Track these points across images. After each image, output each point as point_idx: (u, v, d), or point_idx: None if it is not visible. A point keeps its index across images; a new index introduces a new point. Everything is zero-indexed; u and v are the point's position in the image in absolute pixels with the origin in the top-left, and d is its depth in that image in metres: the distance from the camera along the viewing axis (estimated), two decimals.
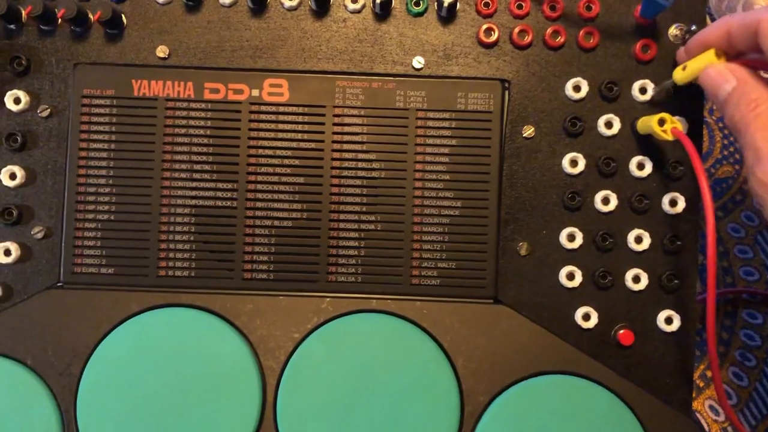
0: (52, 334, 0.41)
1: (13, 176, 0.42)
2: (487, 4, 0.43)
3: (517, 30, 0.43)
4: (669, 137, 0.40)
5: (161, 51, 0.43)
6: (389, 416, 0.40)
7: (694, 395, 0.50)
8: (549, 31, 0.43)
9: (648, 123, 0.41)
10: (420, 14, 0.43)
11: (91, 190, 0.42)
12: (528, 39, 0.43)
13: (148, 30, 0.43)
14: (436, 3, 0.43)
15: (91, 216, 0.42)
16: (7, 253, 0.42)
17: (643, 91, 0.42)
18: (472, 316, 0.42)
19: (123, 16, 0.43)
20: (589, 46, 0.43)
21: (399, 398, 0.40)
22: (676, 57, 0.42)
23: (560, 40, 0.43)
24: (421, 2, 0.43)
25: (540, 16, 0.43)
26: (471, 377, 0.41)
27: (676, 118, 0.41)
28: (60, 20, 0.43)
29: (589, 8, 0.43)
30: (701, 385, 0.50)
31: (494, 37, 0.43)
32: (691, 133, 0.42)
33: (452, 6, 0.42)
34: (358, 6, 0.43)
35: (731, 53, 0.38)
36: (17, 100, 0.43)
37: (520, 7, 0.43)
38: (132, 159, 0.43)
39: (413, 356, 0.41)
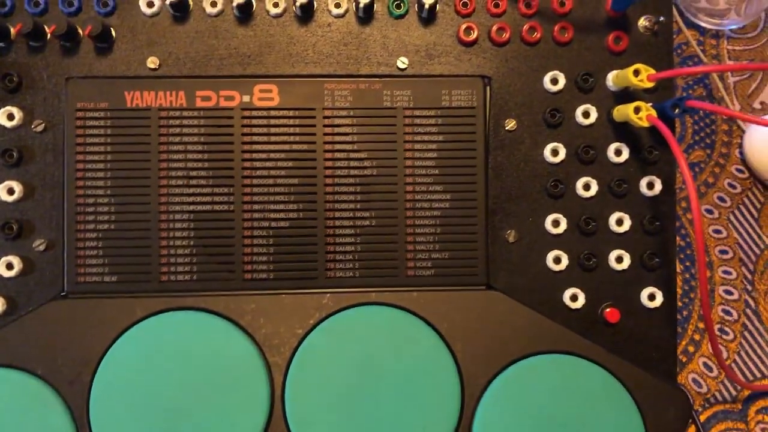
0: (60, 343, 0.42)
1: (11, 191, 0.43)
2: (465, 4, 0.45)
3: (495, 28, 0.45)
4: (645, 124, 0.42)
5: (151, 62, 0.44)
6: (394, 403, 0.42)
7: (677, 370, 0.52)
8: (525, 27, 0.45)
9: (624, 111, 0.43)
10: (401, 16, 0.45)
11: (90, 201, 0.43)
12: (506, 36, 0.45)
13: (138, 42, 0.44)
14: (416, 5, 0.45)
15: (91, 226, 0.43)
16: (10, 266, 0.43)
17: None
18: (467, 302, 0.44)
19: (112, 29, 0.44)
20: (564, 41, 0.45)
21: (402, 385, 0.42)
22: None
23: (536, 35, 0.45)
24: (402, 4, 0.45)
25: (516, 13, 0.45)
26: (469, 361, 0.43)
27: (650, 106, 0.43)
28: (50, 36, 0.43)
29: (562, 4, 0.45)
30: (684, 360, 0.53)
31: (474, 35, 0.45)
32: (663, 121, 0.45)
33: (432, 7, 0.44)
34: (341, 10, 0.45)
35: None
36: (11, 116, 0.43)
37: (497, 5, 0.45)
38: (129, 169, 0.44)
39: (413, 344, 0.43)
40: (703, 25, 0.60)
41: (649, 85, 0.42)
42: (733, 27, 0.60)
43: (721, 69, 0.37)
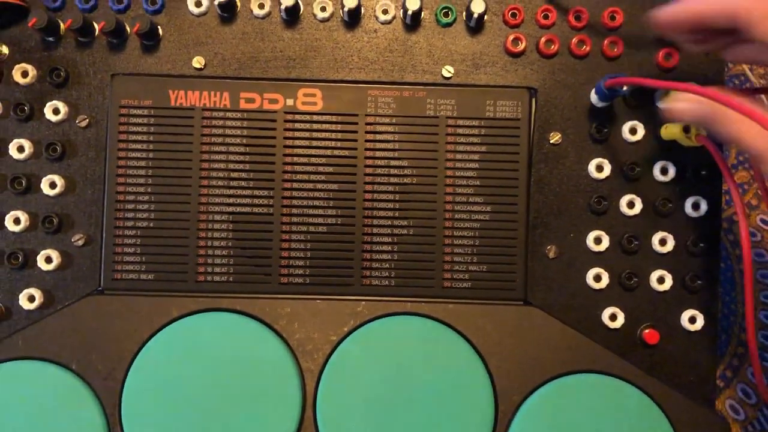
0: (95, 339, 0.42)
1: (53, 185, 0.43)
2: (514, 14, 0.44)
3: (543, 39, 0.44)
4: (695, 143, 0.41)
5: (197, 62, 0.44)
6: (426, 416, 0.41)
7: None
8: (574, 40, 0.44)
9: (673, 129, 0.42)
10: (449, 24, 0.44)
11: (130, 198, 0.44)
12: (554, 48, 0.44)
13: (184, 41, 0.44)
14: (464, 13, 0.44)
15: (130, 223, 0.43)
16: (49, 260, 0.43)
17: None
18: (503, 317, 0.43)
19: (159, 27, 0.44)
20: (613, 55, 0.44)
21: (435, 398, 0.42)
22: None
23: (586, 49, 0.44)
24: (450, 13, 0.44)
25: (565, 25, 0.44)
26: (504, 377, 0.42)
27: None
28: (98, 32, 0.44)
29: (612, 18, 0.44)
30: (721, 385, 0.52)
31: (521, 46, 0.44)
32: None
33: (481, 16, 0.43)
34: (388, 17, 0.44)
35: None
36: (56, 111, 0.44)
37: (546, 17, 0.44)
38: (170, 168, 0.44)
39: (447, 357, 0.42)
40: None
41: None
42: None
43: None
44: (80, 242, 0.43)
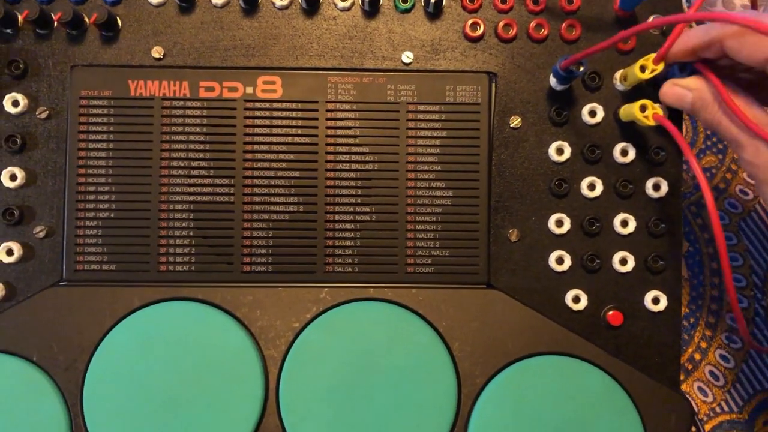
0: (56, 330, 0.42)
1: (13, 177, 0.43)
2: (472, 0, 0.44)
3: (501, 24, 0.44)
4: (651, 122, 0.41)
5: (156, 51, 0.44)
6: (389, 401, 0.41)
7: (682, 377, 0.51)
8: (533, 24, 0.44)
9: (630, 110, 0.42)
10: (407, 10, 0.45)
11: (91, 189, 0.43)
12: (512, 32, 0.44)
13: (143, 31, 0.44)
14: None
15: (91, 214, 0.43)
16: (10, 252, 0.43)
17: (624, 79, 0.44)
18: (466, 301, 0.43)
19: (118, 18, 0.44)
20: (571, 38, 0.44)
21: (398, 383, 0.41)
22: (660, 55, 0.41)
23: (543, 32, 0.44)
24: None
25: (523, 10, 0.45)
26: (467, 360, 0.42)
27: (657, 105, 0.42)
28: (56, 23, 0.44)
29: (570, 2, 0.44)
30: (689, 367, 0.52)
31: (480, 31, 0.44)
32: (671, 119, 0.44)
33: (439, 2, 0.43)
34: (347, 4, 0.44)
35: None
36: (15, 103, 0.43)
37: (504, 1, 0.44)
38: (130, 158, 0.44)
39: (410, 342, 0.42)
40: None
41: (659, 69, 0.41)
42: None
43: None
44: (42, 234, 0.43)
